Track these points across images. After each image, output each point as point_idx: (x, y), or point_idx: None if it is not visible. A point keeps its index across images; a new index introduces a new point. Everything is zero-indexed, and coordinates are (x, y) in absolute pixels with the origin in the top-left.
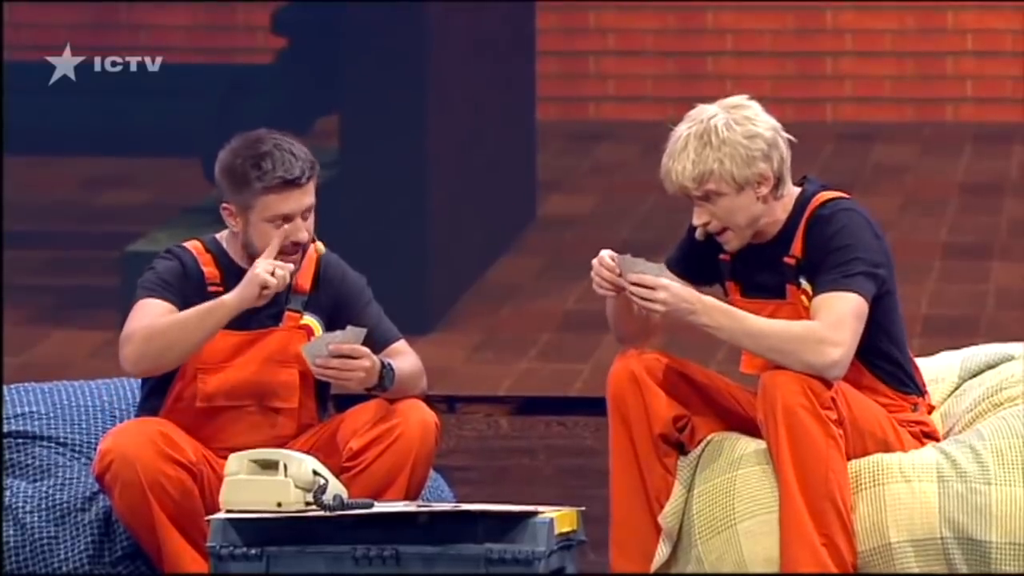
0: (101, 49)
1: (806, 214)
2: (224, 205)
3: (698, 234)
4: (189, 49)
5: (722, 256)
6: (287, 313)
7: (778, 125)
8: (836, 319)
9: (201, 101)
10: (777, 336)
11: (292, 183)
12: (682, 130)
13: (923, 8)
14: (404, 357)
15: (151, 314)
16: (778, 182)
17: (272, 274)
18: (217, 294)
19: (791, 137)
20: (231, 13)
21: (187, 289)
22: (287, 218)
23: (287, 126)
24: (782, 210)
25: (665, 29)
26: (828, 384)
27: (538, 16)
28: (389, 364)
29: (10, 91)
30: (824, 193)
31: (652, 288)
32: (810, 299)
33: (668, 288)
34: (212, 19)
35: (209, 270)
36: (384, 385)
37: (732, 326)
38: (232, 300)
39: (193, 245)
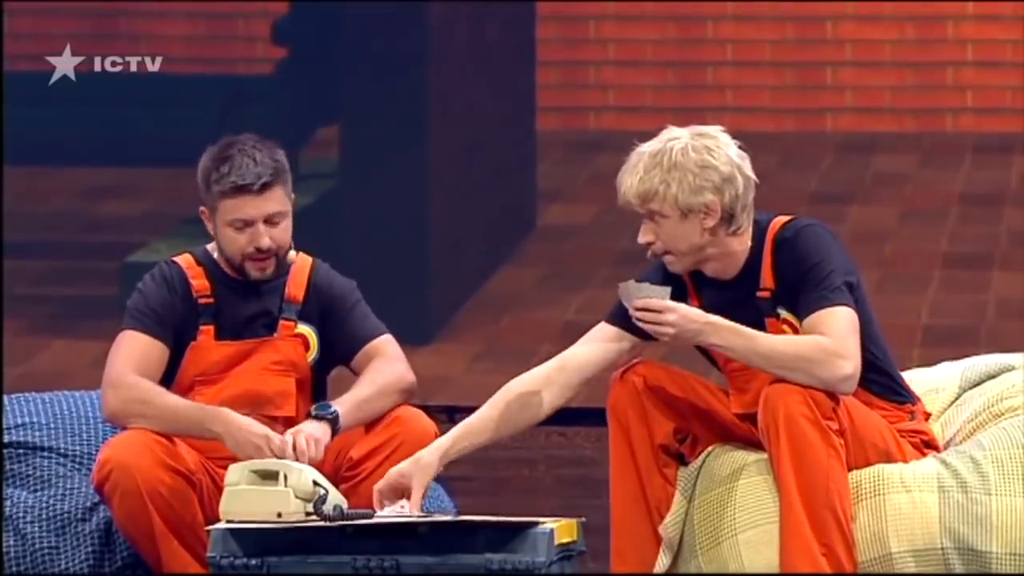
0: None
1: (768, 242)
2: (201, 208)
3: (649, 254)
4: (189, 59)
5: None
6: (281, 322)
7: (742, 163)
8: (841, 334)
9: (201, 111)
10: (788, 354)
11: (244, 188)
12: (644, 147)
13: (923, 19)
14: (379, 361)
15: (135, 354)
16: (729, 218)
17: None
18: (208, 306)
19: (755, 179)
20: (231, 23)
21: (176, 310)
22: (247, 223)
23: (287, 136)
24: (741, 247)
25: (665, 39)
26: (831, 394)
27: (538, 26)
28: (329, 408)
29: (10, 101)
30: (779, 218)
31: (660, 312)
32: (792, 327)
33: (676, 310)
34: (212, 29)
35: (199, 283)
36: (336, 429)
37: (743, 345)
38: (226, 438)
39: (184, 259)
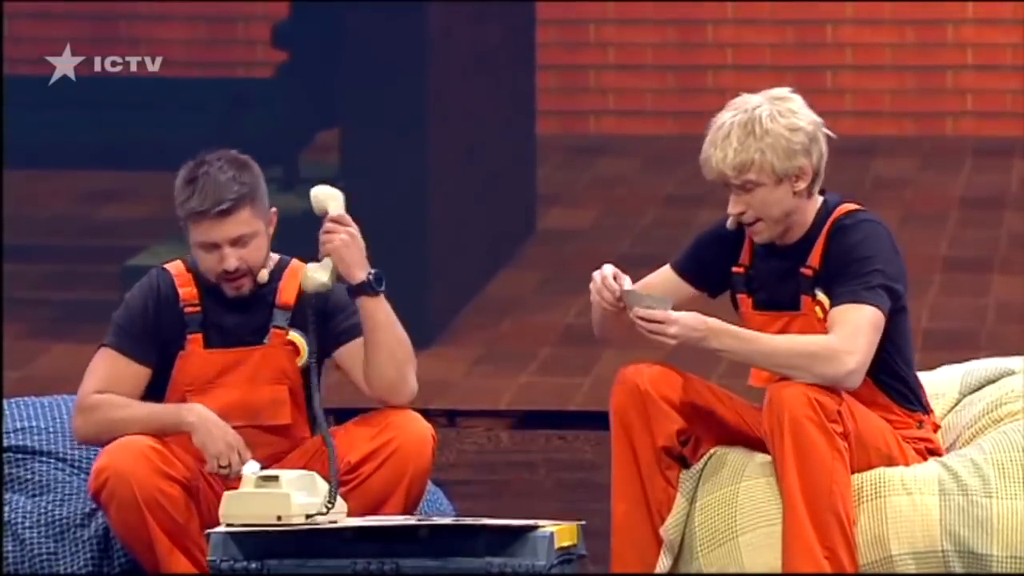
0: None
1: (828, 224)
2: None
3: (730, 223)
4: (189, 63)
5: (735, 269)
6: (273, 330)
7: (820, 120)
8: (852, 330)
9: (201, 115)
10: (791, 353)
11: (202, 214)
12: (726, 118)
13: (923, 22)
14: None
15: (108, 375)
16: (815, 177)
17: (228, 464)
18: (194, 315)
19: (831, 133)
20: (231, 27)
21: (160, 323)
22: (213, 246)
23: (287, 140)
24: (810, 212)
25: (665, 43)
26: (835, 397)
27: (538, 30)
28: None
29: (10, 105)
30: (846, 204)
31: (661, 322)
32: (824, 310)
33: (677, 321)
34: (212, 33)
35: (186, 291)
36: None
37: (744, 348)
38: (195, 435)
39: (175, 266)
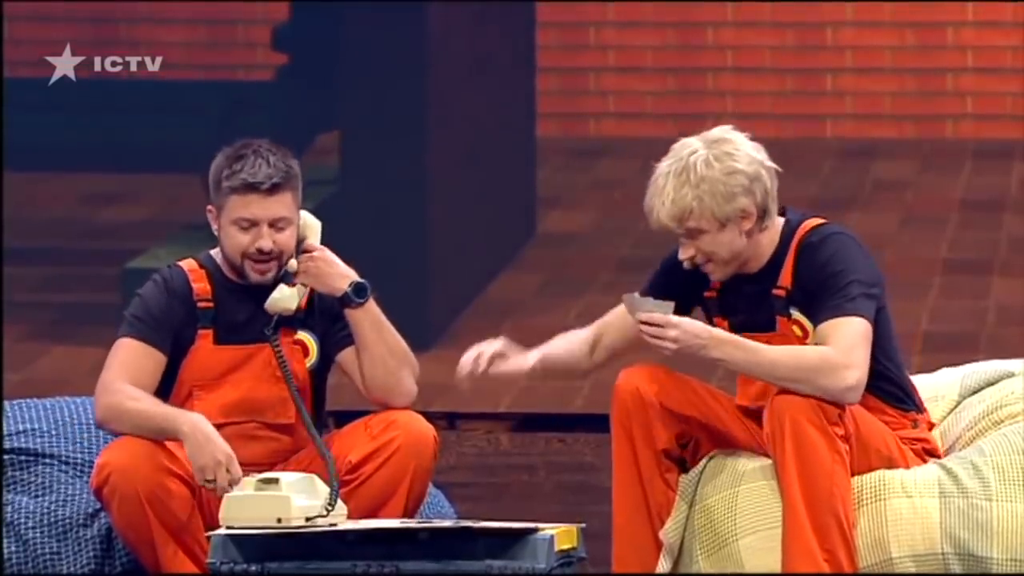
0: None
1: (794, 243)
2: (208, 206)
3: (685, 264)
4: (189, 66)
5: (707, 293)
6: (281, 328)
7: (761, 157)
8: (848, 344)
9: (201, 118)
10: (792, 365)
11: (253, 187)
12: (663, 167)
13: (923, 25)
14: None
15: (130, 362)
16: (762, 215)
17: (213, 479)
18: (207, 310)
19: (776, 167)
20: (231, 29)
21: (175, 313)
22: (252, 223)
23: (287, 142)
24: (768, 241)
25: (665, 46)
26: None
27: (538, 33)
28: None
29: (10, 107)
30: (809, 221)
31: (663, 326)
32: (802, 329)
33: (679, 325)
34: (212, 35)
35: (200, 285)
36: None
37: (745, 358)
38: (186, 445)
39: (187, 263)
